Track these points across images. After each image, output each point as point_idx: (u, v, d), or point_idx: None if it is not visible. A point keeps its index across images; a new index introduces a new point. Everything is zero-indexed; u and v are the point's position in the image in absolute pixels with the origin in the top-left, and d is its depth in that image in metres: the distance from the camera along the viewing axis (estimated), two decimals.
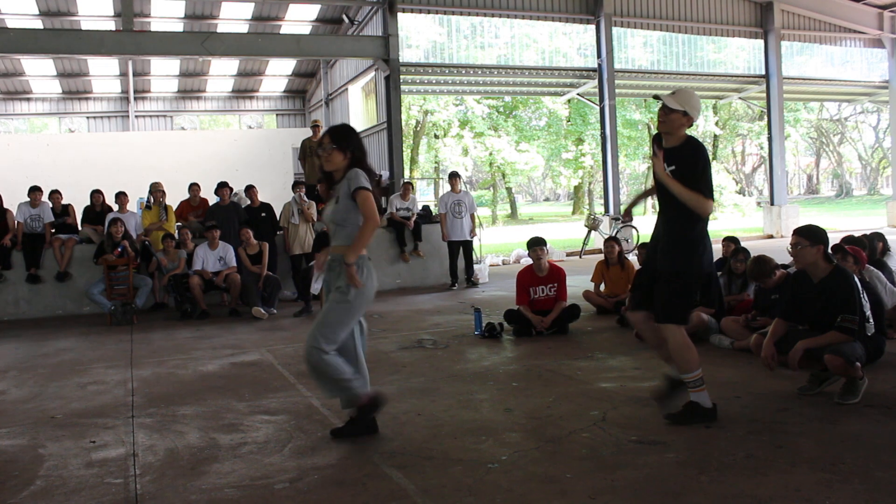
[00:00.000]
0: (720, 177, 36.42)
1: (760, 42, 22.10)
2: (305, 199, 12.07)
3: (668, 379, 4.98)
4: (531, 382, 6.21)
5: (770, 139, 22.83)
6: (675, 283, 4.74)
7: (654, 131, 4.90)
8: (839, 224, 24.82)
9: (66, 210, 12.27)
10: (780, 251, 7.84)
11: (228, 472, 4.28)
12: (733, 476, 3.88)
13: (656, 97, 4.86)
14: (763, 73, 22.22)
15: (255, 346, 8.41)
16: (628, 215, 6.28)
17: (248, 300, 10.88)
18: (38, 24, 19.21)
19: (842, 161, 55.84)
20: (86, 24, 19.43)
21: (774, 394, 5.42)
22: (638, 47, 21.04)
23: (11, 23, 18.85)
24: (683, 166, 4.69)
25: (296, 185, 12.52)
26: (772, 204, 22.91)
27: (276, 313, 10.92)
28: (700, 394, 4.77)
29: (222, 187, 12.29)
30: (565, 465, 4.17)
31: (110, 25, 19.37)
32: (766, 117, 23.49)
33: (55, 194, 12.22)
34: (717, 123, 40.02)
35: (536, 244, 8.52)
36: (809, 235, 5.25)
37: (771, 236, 22.30)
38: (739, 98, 25.21)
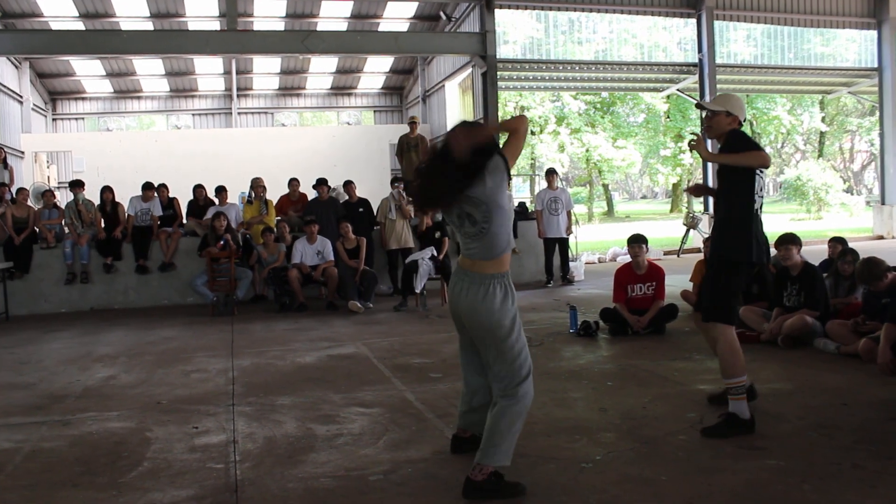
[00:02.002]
0: (826, 175, 35.04)
1: (873, 33, 21.13)
2: (404, 194, 12.18)
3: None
4: (626, 382, 6.11)
5: (882, 135, 21.81)
6: (720, 273, 4.70)
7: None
8: None
9: (172, 203, 12.74)
10: (890, 253, 7.55)
11: (324, 462, 4.36)
12: (838, 487, 3.72)
13: (699, 106, 4.95)
14: (875, 65, 21.24)
15: (351, 340, 8.54)
16: (695, 190, 6.03)
17: (345, 294, 11.05)
18: (148, 25, 19.99)
19: None
20: (192, 25, 20.12)
21: (884, 402, 5.19)
22: (740, 41, 20.44)
23: (124, 25, 19.68)
24: (725, 148, 4.77)
25: (394, 182, 12.64)
26: (882, 203, 21.88)
27: (372, 307, 11.06)
28: (740, 403, 4.62)
29: (321, 184, 12.52)
30: (661, 467, 4.09)
31: (215, 25, 20.01)
32: (877, 112, 22.48)
33: (162, 188, 12.71)
34: (823, 119, 38.56)
35: (636, 241, 8.37)
36: None
37: (881, 237, 21.33)
38: (849, 92, 24.17)
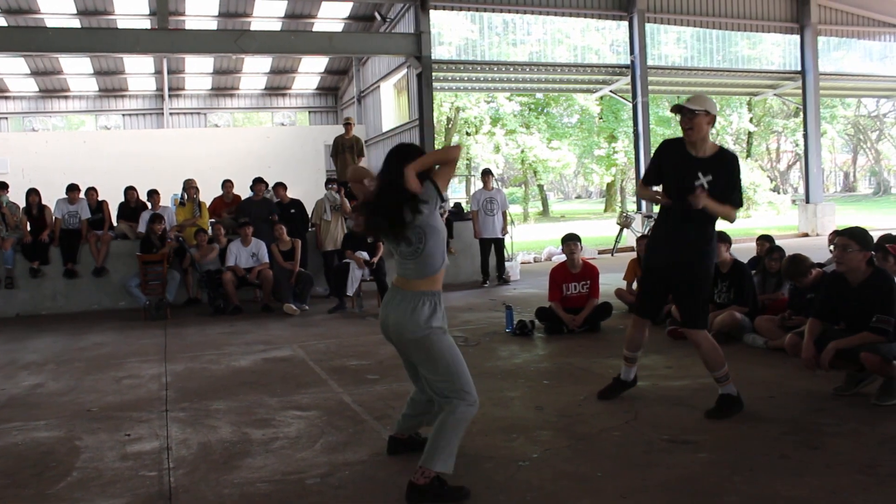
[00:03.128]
0: (754, 174, 35.96)
1: (796, 37, 21.80)
2: (337, 196, 12.06)
3: (618, 380, 5.47)
4: (562, 380, 6.19)
5: (806, 136, 22.52)
6: (698, 284, 4.98)
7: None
8: (877, 222, 24.40)
9: (101, 207, 12.42)
10: (815, 250, 7.76)
11: (261, 467, 4.32)
12: (767, 477, 3.83)
13: (677, 108, 4.91)
14: (799, 68, 21.92)
15: (287, 342, 8.47)
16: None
17: (281, 296, 10.96)
18: (75, 23, 19.49)
19: (880, 158, 54.94)
20: (122, 23, 19.69)
21: (809, 394, 5.35)
22: (671, 44, 20.86)
23: (50, 22, 19.15)
24: (721, 178, 4.83)
25: (329, 182, 12.54)
26: (807, 202, 22.59)
27: (308, 309, 10.98)
28: (730, 386, 4.97)
29: (258, 183, 12.39)
30: (596, 463, 4.15)
31: (146, 24, 19.62)
32: (801, 114, 23.17)
33: (91, 191, 12.38)
34: (751, 120, 39.53)
35: (570, 239, 8.48)
36: (860, 239, 5.12)
37: (806, 235, 22.00)
38: (774, 94, 24.87)
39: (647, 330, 5.34)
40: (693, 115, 4.78)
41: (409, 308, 3.85)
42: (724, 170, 4.83)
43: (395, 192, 3.79)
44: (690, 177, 4.84)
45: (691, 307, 4.98)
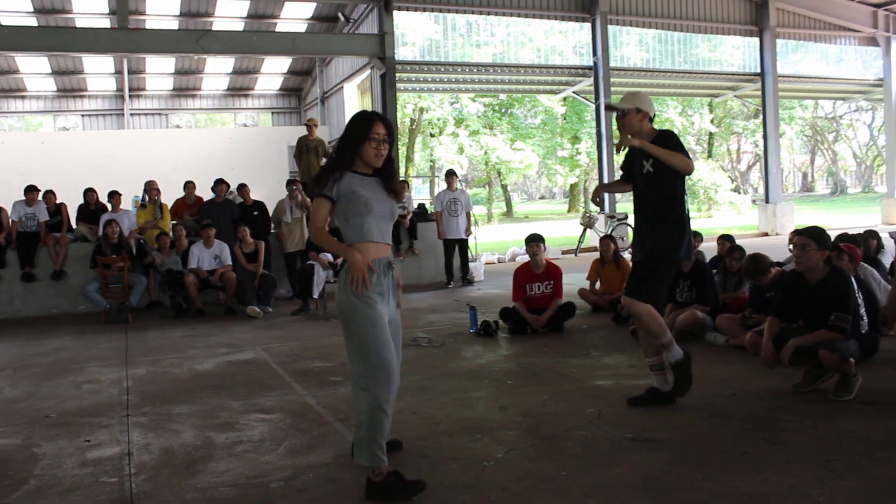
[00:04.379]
0: (715, 175, 36.41)
1: (756, 40, 22.14)
2: (298, 197, 11.95)
3: (652, 390, 5.23)
4: (526, 380, 6.21)
5: (765, 137, 22.87)
6: (650, 266, 4.98)
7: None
8: (834, 222, 24.86)
9: (59, 209, 12.22)
10: (775, 249, 7.88)
11: (224, 471, 4.27)
12: (728, 473, 3.88)
13: (609, 107, 5.04)
14: (758, 71, 22.27)
15: (251, 345, 8.40)
16: (598, 196, 6.06)
17: (244, 299, 10.87)
18: (32, 21, 19.16)
19: (836, 159, 55.93)
20: (80, 22, 19.40)
21: (769, 391, 5.43)
22: (633, 45, 21.06)
23: (5, 20, 18.78)
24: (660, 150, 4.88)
25: (290, 183, 12.46)
26: (767, 202, 22.94)
27: (271, 312, 10.91)
28: (675, 349, 5.03)
29: (220, 184, 12.28)
30: (560, 462, 4.17)
31: (105, 23, 19.33)
32: (761, 115, 23.52)
33: (49, 194, 12.17)
34: (712, 121, 40.08)
35: (534, 240, 8.52)
36: (819, 239, 5.20)
37: (766, 234, 22.33)
38: (734, 96, 25.21)
39: (662, 317, 5.24)
40: (623, 113, 4.94)
41: (341, 278, 3.90)
42: (661, 144, 4.88)
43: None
44: (638, 166, 5.04)
45: (640, 280, 5.01)
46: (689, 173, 4.94)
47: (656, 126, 5.09)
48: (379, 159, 3.91)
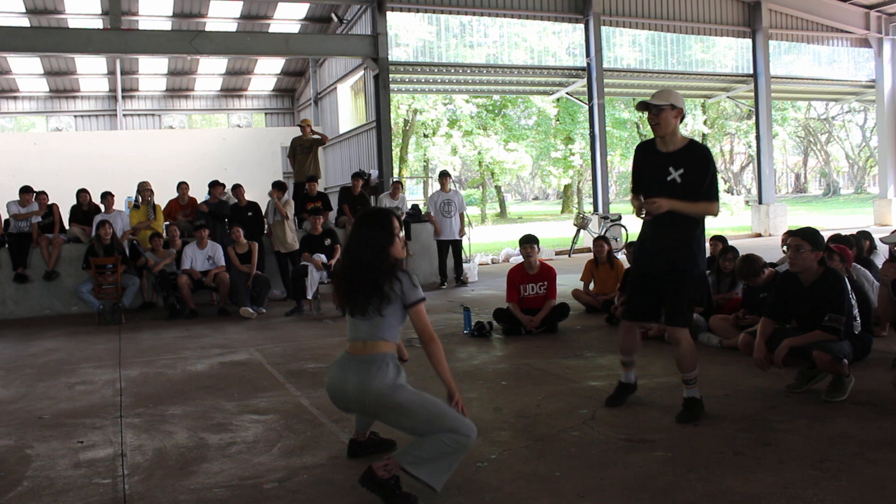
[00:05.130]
0: None
1: (748, 41, 22.21)
2: (279, 201, 11.93)
3: (621, 385, 5.32)
4: (520, 381, 6.21)
5: (758, 138, 22.93)
6: (684, 284, 4.88)
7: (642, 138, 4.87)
8: (827, 223, 24.94)
9: (51, 210, 12.17)
10: (768, 250, 7.88)
11: (217, 472, 4.27)
12: (721, 474, 3.89)
13: (642, 105, 4.90)
14: (751, 72, 22.33)
15: (244, 346, 8.39)
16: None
17: (238, 299, 10.85)
18: (24, 21, 19.10)
19: (829, 160, 56.12)
20: (73, 23, 19.33)
21: (762, 392, 5.45)
22: (626, 46, 21.08)
23: None
24: (692, 171, 4.78)
25: (274, 185, 12.35)
26: (760, 203, 22.99)
27: (265, 312, 10.90)
28: (695, 389, 4.96)
29: (215, 186, 12.26)
30: (554, 463, 4.17)
31: (98, 24, 19.29)
32: (753, 116, 23.58)
33: (41, 195, 12.13)
34: (705, 122, 40.14)
35: (528, 241, 8.53)
36: (813, 240, 5.20)
37: (759, 235, 22.38)
38: (727, 97, 25.30)
39: (638, 333, 5.29)
40: (659, 110, 4.77)
41: (374, 369, 3.77)
42: (695, 161, 4.78)
43: (374, 270, 3.87)
44: (662, 172, 4.84)
45: (676, 306, 4.89)
46: (714, 216, 4.98)
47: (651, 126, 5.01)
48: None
